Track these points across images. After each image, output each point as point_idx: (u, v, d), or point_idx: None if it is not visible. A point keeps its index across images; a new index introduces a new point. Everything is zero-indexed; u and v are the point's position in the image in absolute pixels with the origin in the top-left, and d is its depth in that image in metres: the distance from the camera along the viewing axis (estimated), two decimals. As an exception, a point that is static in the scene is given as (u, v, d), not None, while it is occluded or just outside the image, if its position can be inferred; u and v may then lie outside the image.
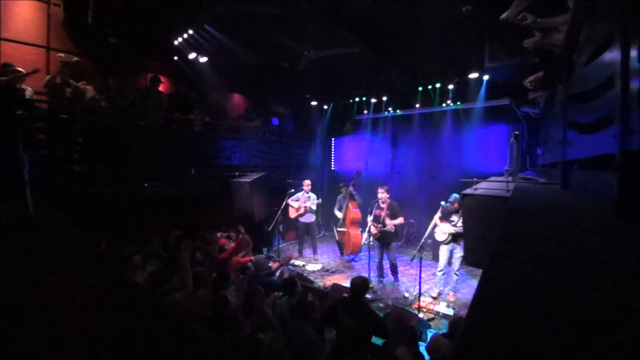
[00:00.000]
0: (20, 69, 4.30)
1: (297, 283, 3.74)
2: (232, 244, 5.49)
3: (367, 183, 7.89)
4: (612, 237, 1.04)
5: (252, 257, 4.89)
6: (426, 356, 3.07)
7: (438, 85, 7.52)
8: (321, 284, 5.82)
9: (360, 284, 3.33)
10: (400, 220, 5.74)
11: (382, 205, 5.82)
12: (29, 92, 4.46)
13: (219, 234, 5.78)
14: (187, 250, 3.99)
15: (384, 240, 5.80)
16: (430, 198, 7.32)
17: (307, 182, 7.37)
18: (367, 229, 5.97)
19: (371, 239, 5.90)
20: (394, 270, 5.87)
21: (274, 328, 2.93)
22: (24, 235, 1.64)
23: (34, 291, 0.96)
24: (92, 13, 5.26)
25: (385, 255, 5.90)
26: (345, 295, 3.80)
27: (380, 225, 5.67)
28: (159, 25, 5.97)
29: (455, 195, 5.16)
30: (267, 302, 3.25)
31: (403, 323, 3.71)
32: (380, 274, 6.00)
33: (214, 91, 7.60)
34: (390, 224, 5.62)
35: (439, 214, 5.40)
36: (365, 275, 5.54)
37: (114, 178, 4.75)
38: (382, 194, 5.84)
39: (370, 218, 5.84)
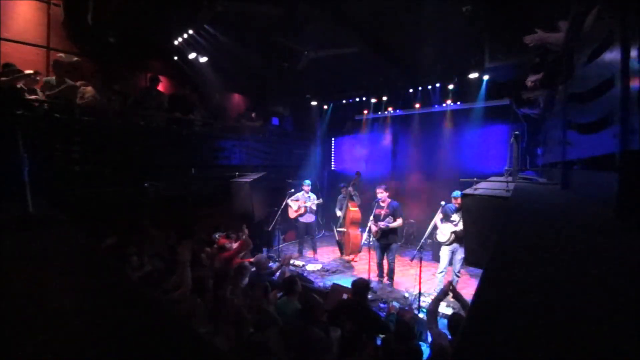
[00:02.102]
0: (29, 71, 4.31)
1: (298, 282, 3.73)
2: (235, 245, 5.47)
3: (367, 183, 7.89)
4: (612, 237, 1.04)
5: (252, 258, 4.88)
6: (425, 355, 3.06)
7: (438, 85, 7.53)
8: (321, 284, 5.82)
9: (362, 286, 3.32)
10: (399, 222, 5.75)
11: (382, 204, 5.83)
12: (40, 94, 4.48)
13: (218, 234, 5.76)
14: (186, 250, 3.99)
15: (384, 241, 5.80)
16: (430, 198, 7.33)
17: (307, 182, 7.39)
18: (367, 228, 5.98)
19: (371, 238, 5.90)
20: (391, 274, 5.86)
21: (276, 325, 2.92)
22: (24, 235, 1.64)
23: (34, 291, 0.96)
24: (92, 13, 5.26)
25: (385, 256, 5.89)
26: (346, 296, 3.79)
27: (380, 223, 5.67)
28: (159, 25, 5.96)
29: (458, 193, 5.06)
30: (268, 300, 3.25)
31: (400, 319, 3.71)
32: (380, 274, 6.00)
33: (217, 92, 7.60)
34: (384, 224, 5.63)
35: (439, 215, 5.38)
36: (365, 275, 5.55)
37: (114, 178, 4.75)
38: (381, 194, 5.85)
39: (371, 218, 5.85)
